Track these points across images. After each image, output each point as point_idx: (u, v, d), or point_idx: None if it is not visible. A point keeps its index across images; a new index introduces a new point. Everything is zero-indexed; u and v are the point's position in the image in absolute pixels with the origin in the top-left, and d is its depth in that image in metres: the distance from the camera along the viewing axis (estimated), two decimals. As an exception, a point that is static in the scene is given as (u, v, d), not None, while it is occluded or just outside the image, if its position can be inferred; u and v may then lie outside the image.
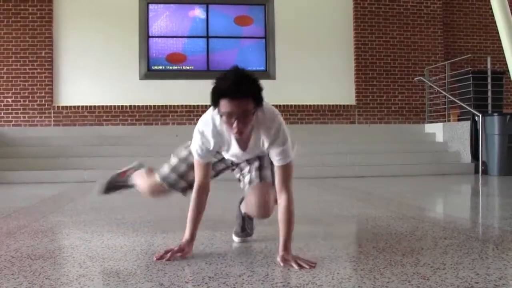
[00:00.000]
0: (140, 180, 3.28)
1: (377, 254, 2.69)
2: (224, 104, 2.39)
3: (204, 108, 2.80)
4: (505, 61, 6.37)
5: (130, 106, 10.69)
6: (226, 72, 2.43)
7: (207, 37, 11.20)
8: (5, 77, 10.48)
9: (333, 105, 11.24)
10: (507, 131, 8.64)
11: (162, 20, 11.14)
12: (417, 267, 2.38)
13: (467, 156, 9.40)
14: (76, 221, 4.07)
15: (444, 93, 10.44)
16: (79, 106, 10.60)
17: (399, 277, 2.23)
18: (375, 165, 9.18)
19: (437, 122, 10.83)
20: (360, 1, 11.41)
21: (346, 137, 10.37)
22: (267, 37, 11.25)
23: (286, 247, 2.49)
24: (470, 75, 10.01)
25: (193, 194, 2.71)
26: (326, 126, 11.06)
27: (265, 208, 2.77)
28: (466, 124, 9.42)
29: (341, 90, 11.34)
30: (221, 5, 11.31)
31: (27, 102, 10.53)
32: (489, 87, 9.83)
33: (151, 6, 11.06)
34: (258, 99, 2.44)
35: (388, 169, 8.99)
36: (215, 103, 2.44)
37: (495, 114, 8.96)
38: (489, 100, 9.78)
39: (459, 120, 10.37)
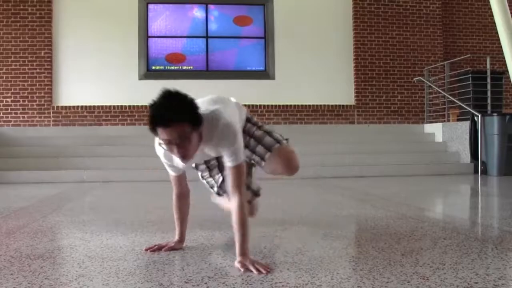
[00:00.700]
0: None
1: (377, 254, 2.69)
2: (160, 132, 2.35)
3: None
4: (505, 61, 6.39)
5: (130, 106, 10.69)
6: (157, 98, 2.37)
7: (207, 37, 11.20)
8: (4, 77, 10.49)
9: (332, 105, 11.24)
10: (507, 131, 8.64)
11: (162, 20, 11.14)
12: (416, 267, 2.38)
13: (466, 156, 9.40)
14: (75, 221, 4.07)
15: (443, 93, 10.44)
16: (78, 106, 10.60)
17: (398, 277, 2.23)
18: (374, 165, 9.18)
19: (436, 122, 10.83)
20: (359, 1, 11.41)
21: (346, 137, 10.37)
22: (267, 37, 11.25)
23: (243, 252, 2.46)
24: (470, 75, 10.02)
25: (174, 201, 2.89)
26: (326, 126, 11.06)
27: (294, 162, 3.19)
28: (466, 124, 9.42)
29: (340, 90, 11.35)
30: (220, 5, 11.32)
31: (26, 102, 10.53)
32: (489, 87, 9.83)
33: (150, 6, 11.06)
34: (194, 120, 2.39)
35: (388, 169, 8.99)
36: (153, 131, 2.39)
37: (495, 114, 8.97)
38: (489, 100, 9.78)
39: (458, 120, 10.38)
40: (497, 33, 6.32)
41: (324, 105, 11.20)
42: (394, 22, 11.54)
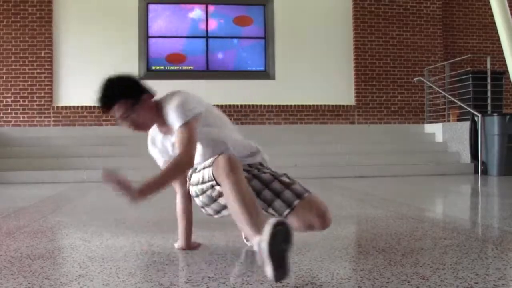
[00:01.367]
0: None
1: (377, 254, 2.69)
2: (109, 113, 2.64)
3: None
4: (505, 61, 6.39)
5: (130, 106, 10.67)
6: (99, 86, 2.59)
7: (207, 37, 11.20)
8: (4, 77, 10.49)
9: (332, 106, 11.24)
10: (507, 131, 8.64)
11: (162, 20, 11.14)
12: (416, 267, 2.38)
13: (466, 156, 9.40)
14: (75, 221, 4.07)
15: (443, 93, 10.44)
16: (78, 106, 10.60)
17: (398, 277, 2.23)
18: (374, 165, 9.18)
19: (436, 122, 10.83)
20: (359, 2, 11.41)
21: (346, 137, 10.37)
22: (267, 38, 11.25)
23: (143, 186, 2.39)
24: (470, 75, 10.01)
25: (178, 204, 2.83)
26: (326, 126, 11.06)
27: (328, 212, 2.66)
28: (466, 124, 9.42)
29: (340, 91, 11.35)
30: (220, 5, 11.32)
31: (26, 102, 10.53)
32: (489, 87, 9.83)
33: (150, 6, 11.06)
34: (129, 95, 2.64)
35: (388, 169, 8.99)
36: (106, 113, 2.69)
37: (495, 114, 8.97)
38: (489, 100, 9.78)
39: (458, 120, 10.37)
40: (497, 33, 6.32)
41: (324, 105, 11.20)
42: (394, 22, 11.54)
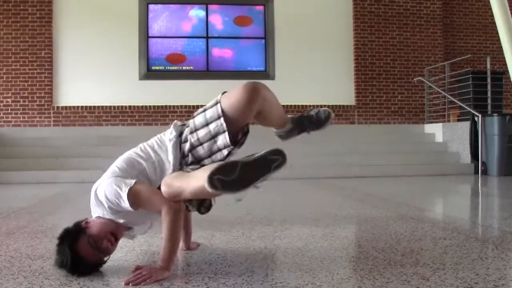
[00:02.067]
0: None
1: (377, 254, 2.69)
2: None
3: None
4: (505, 61, 6.37)
5: (130, 106, 10.69)
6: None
7: (207, 37, 11.20)
8: (4, 77, 10.48)
9: (332, 105, 11.22)
10: (507, 131, 8.64)
11: (162, 20, 11.14)
12: (416, 268, 2.38)
13: (466, 157, 9.40)
14: (75, 221, 4.06)
15: (443, 93, 10.44)
16: (78, 106, 10.59)
17: (398, 277, 2.23)
18: (374, 165, 9.17)
19: (436, 122, 10.83)
20: (360, 2, 11.41)
21: (346, 137, 10.36)
22: (267, 38, 11.24)
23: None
24: (470, 75, 10.01)
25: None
26: (326, 126, 11.03)
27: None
28: (466, 125, 9.42)
29: (340, 90, 11.34)
30: (220, 6, 11.31)
31: (26, 102, 10.52)
32: (489, 87, 9.83)
33: (151, 7, 11.05)
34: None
35: (388, 170, 8.98)
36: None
37: (495, 114, 8.96)
38: (489, 101, 9.78)
39: (458, 120, 10.37)
40: (497, 33, 6.31)
41: (324, 105, 11.17)
42: (395, 22, 11.54)
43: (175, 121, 2.60)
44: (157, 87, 10.78)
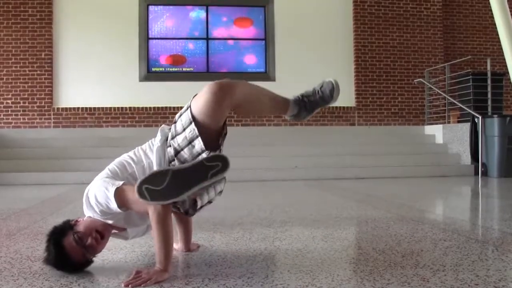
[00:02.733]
0: None
1: (377, 255, 2.69)
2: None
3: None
4: (505, 62, 6.37)
5: (130, 107, 10.69)
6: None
7: (207, 38, 11.21)
8: (5, 79, 10.49)
9: (333, 107, 11.23)
10: (507, 132, 8.64)
11: (162, 21, 11.15)
12: (417, 269, 2.38)
13: (467, 158, 9.40)
14: (78, 217, 4.06)
15: (444, 94, 10.44)
16: (79, 107, 10.59)
17: (398, 278, 2.23)
18: (375, 166, 9.17)
19: (437, 123, 10.83)
20: (360, 3, 11.41)
21: (346, 138, 10.37)
22: (267, 39, 11.25)
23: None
24: (470, 76, 10.02)
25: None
26: (326, 127, 11.05)
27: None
28: (466, 126, 9.42)
29: (341, 92, 11.26)
30: (221, 7, 11.32)
31: (27, 104, 10.53)
32: (489, 88, 9.83)
33: (151, 8, 11.06)
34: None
35: (388, 171, 8.99)
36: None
37: (495, 115, 8.96)
38: (489, 102, 9.78)
39: (459, 121, 10.37)
40: (497, 34, 6.31)
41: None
42: (395, 24, 11.54)
43: (163, 125, 2.58)
44: (157, 89, 10.78)
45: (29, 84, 10.54)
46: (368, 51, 11.41)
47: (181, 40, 11.20)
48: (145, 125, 10.59)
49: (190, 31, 11.22)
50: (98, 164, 9.01)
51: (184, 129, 2.34)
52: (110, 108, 10.65)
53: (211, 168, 2.14)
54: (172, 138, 2.40)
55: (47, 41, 10.60)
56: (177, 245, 2.87)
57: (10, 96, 10.50)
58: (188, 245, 2.87)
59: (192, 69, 11.15)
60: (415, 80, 11.13)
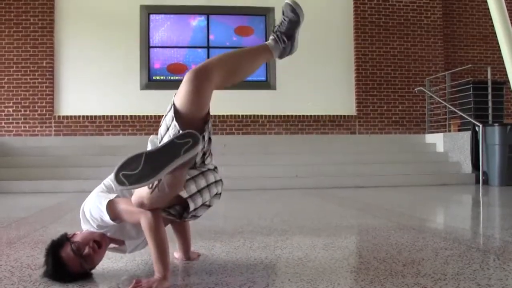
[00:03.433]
0: None
1: (378, 264, 2.68)
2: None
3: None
4: (505, 71, 6.38)
5: (131, 116, 10.70)
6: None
7: (208, 47, 11.23)
8: (6, 87, 10.51)
9: (333, 116, 11.25)
10: (508, 141, 8.64)
11: (163, 30, 11.18)
12: (418, 278, 2.38)
13: (467, 167, 9.39)
14: (76, 231, 4.06)
15: (444, 103, 10.45)
16: (79, 116, 10.61)
17: (399, 287, 2.22)
18: (375, 175, 9.17)
19: (437, 132, 10.84)
20: (360, 12, 11.45)
21: (347, 147, 10.38)
22: (268, 48, 11.25)
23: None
24: (471, 85, 10.03)
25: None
26: (327, 136, 11.05)
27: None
28: (467, 134, 9.42)
29: (341, 101, 11.36)
30: (221, 16, 11.35)
31: (28, 112, 10.55)
32: (490, 97, 9.84)
33: (152, 16, 11.10)
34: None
35: (389, 180, 8.98)
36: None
37: (496, 124, 8.97)
38: (490, 110, 9.79)
39: (459, 130, 10.38)
40: (497, 43, 6.34)
41: (325, 115, 11.20)
42: (395, 33, 11.57)
43: (151, 136, 2.58)
44: (158, 97, 10.76)
45: (30, 92, 10.56)
46: (369, 59, 11.43)
47: (182, 49, 11.22)
48: (146, 133, 10.59)
49: (191, 40, 11.25)
50: (98, 172, 9.05)
51: (167, 128, 2.32)
52: (111, 116, 10.66)
53: (182, 145, 2.12)
54: (160, 142, 2.39)
55: (48, 49, 10.63)
56: (177, 254, 2.87)
57: (11, 104, 10.52)
58: (187, 254, 2.86)
59: (193, 77, 11.14)
60: (415, 89, 11.15)
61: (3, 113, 10.50)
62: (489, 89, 9.88)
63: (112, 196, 2.41)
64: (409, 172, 9.39)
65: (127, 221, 2.43)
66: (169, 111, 2.35)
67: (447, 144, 10.12)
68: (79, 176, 8.58)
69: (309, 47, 11.29)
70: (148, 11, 11.05)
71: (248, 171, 8.81)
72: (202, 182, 2.40)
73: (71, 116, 10.61)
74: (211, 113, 2.41)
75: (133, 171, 2.09)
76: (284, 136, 10.93)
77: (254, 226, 4.18)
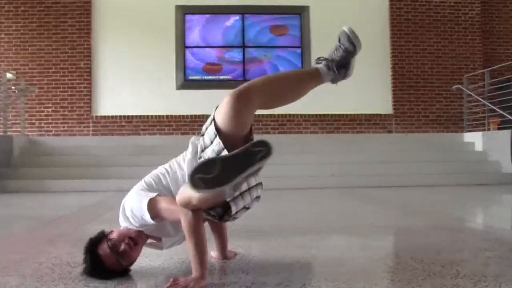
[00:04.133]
0: None
1: (415, 265, 2.65)
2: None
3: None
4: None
5: (167, 115, 10.80)
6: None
7: (243, 46, 11.26)
8: (45, 88, 10.73)
9: (369, 114, 11.16)
10: (549, 140, 8.44)
11: (199, 30, 11.25)
12: (457, 279, 2.34)
13: (507, 166, 9.20)
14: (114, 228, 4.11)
15: (483, 101, 10.26)
16: (116, 116, 10.76)
17: (438, 289, 2.19)
18: (412, 174, 9.05)
19: (476, 131, 10.65)
20: (396, 9, 11.33)
21: (383, 146, 10.27)
22: (303, 46, 11.25)
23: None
24: (511, 82, 9.83)
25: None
26: (363, 135, 10.97)
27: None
28: (507, 133, 9.23)
29: (378, 99, 11.26)
30: (256, 15, 11.37)
31: (66, 112, 10.74)
32: (530, 95, 9.63)
33: (187, 17, 11.18)
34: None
35: (426, 179, 8.86)
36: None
37: (537, 122, 8.78)
38: (530, 108, 9.58)
39: (499, 128, 10.18)
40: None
41: (362, 114, 11.12)
42: (432, 30, 11.42)
43: (192, 137, 2.60)
44: (194, 97, 10.86)
45: (69, 93, 10.76)
46: (405, 57, 11.30)
47: (217, 48, 11.28)
48: (182, 133, 10.68)
49: (226, 39, 11.30)
50: (136, 171, 9.13)
51: (211, 142, 2.35)
52: (147, 116, 10.78)
53: (257, 153, 2.14)
54: (202, 150, 2.42)
55: (86, 51, 10.81)
56: (214, 253, 2.89)
57: (50, 105, 10.73)
58: (224, 253, 2.87)
59: (228, 77, 11.20)
60: (453, 87, 10.97)
61: (42, 114, 10.72)
62: (530, 87, 9.67)
63: (153, 194, 2.43)
64: (447, 172, 9.25)
65: (166, 219, 2.45)
66: (210, 124, 2.36)
67: (486, 143, 9.93)
68: (117, 175, 8.68)
69: (344, 45, 11.22)
70: (183, 11, 11.14)
71: (284, 170, 8.80)
72: (244, 185, 2.41)
73: (108, 116, 10.77)
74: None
75: (209, 174, 2.10)
76: (320, 135, 10.88)
77: (290, 226, 4.18)
